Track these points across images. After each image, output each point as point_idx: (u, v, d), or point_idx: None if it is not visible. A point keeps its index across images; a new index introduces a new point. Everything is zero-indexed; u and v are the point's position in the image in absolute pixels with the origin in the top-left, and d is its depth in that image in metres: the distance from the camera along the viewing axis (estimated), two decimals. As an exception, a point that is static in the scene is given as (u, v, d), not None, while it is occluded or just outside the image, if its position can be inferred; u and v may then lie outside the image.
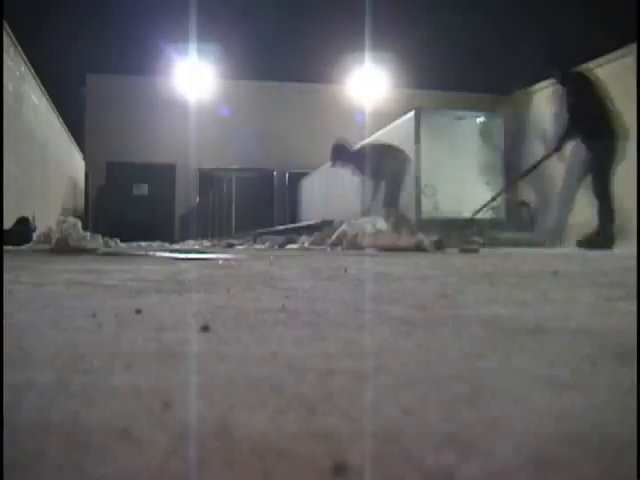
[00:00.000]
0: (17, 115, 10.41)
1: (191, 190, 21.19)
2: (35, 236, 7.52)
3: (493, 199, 9.85)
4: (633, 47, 10.44)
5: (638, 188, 8.73)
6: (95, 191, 20.21)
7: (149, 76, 20.64)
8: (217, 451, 0.46)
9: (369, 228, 7.09)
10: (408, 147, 10.40)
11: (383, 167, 9.32)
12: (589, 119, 7.22)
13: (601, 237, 6.82)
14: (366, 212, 9.26)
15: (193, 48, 19.43)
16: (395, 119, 11.63)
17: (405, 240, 6.51)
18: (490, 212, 11.33)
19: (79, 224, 5.91)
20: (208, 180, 21.39)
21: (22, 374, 0.68)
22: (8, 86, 9.73)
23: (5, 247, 5.86)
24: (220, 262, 3.71)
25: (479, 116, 12.17)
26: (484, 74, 18.48)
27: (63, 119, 15.65)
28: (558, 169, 9.39)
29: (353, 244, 7.07)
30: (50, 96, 13.54)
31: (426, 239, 6.59)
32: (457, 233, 10.15)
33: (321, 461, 0.44)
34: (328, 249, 7.34)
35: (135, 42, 17.27)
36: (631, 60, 10.48)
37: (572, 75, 7.74)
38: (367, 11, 14.99)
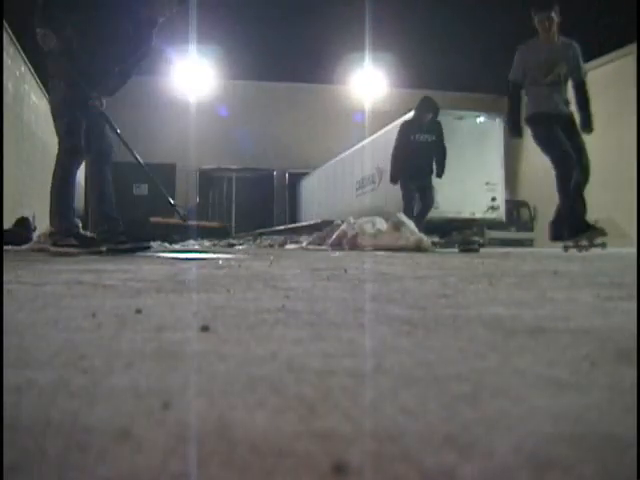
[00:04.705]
0: (17, 115, 10.40)
1: (191, 190, 21.18)
2: (35, 236, 7.52)
3: None
4: (633, 47, 10.43)
5: (638, 188, 8.73)
6: (95, 191, 20.18)
7: (149, 76, 20.62)
8: (217, 451, 0.46)
9: (369, 228, 7.09)
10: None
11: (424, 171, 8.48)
12: None
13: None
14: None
15: (193, 48, 19.43)
16: (395, 119, 11.64)
17: (405, 240, 6.51)
18: (490, 212, 11.31)
19: (79, 224, 5.89)
20: (208, 180, 21.39)
21: (22, 374, 0.68)
22: (8, 86, 9.72)
23: (5, 247, 5.86)
24: (220, 262, 3.71)
25: (479, 116, 12.18)
26: (484, 74, 18.48)
27: (63, 119, 15.60)
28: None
29: (353, 244, 7.07)
30: (50, 96, 13.50)
31: (425, 239, 6.59)
32: (457, 233, 10.14)
33: (321, 461, 0.44)
34: (328, 249, 7.34)
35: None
36: (631, 60, 10.46)
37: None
38: (367, 11, 14.98)
